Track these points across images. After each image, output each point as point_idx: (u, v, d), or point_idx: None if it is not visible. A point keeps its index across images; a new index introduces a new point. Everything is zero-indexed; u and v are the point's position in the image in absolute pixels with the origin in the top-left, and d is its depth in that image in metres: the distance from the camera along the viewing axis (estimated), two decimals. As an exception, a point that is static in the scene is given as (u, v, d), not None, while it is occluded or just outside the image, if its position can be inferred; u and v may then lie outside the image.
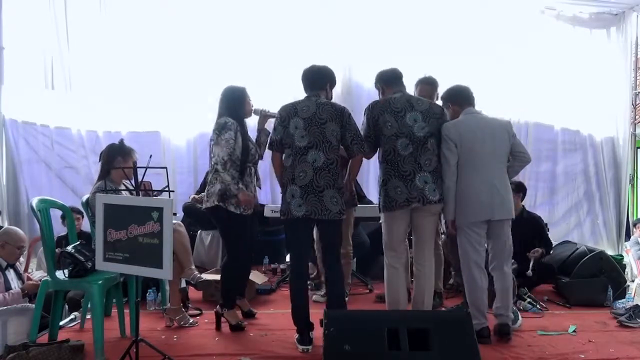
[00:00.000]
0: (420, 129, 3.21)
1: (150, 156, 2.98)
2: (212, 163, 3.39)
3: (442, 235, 4.14)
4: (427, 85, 3.84)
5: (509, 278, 3.40)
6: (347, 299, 3.58)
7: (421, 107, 3.26)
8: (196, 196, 5.14)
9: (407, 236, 3.45)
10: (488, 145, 3.27)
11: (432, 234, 3.38)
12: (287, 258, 5.50)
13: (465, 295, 3.41)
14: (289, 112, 3.19)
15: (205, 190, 3.50)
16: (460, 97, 3.45)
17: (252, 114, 3.64)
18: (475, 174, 3.26)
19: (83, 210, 3.90)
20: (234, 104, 3.48)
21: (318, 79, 3.26)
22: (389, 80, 3.41)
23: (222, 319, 3.51)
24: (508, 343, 3.26)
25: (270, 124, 3.53)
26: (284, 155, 3.24)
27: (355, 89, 5.65)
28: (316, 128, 3.12)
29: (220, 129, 3.36)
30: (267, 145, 3.36)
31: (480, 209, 3.25)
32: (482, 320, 3.26)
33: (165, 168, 2.87)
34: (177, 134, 5.59)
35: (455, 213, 3.29)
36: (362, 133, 3.24)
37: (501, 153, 3.32)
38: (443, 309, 3.92)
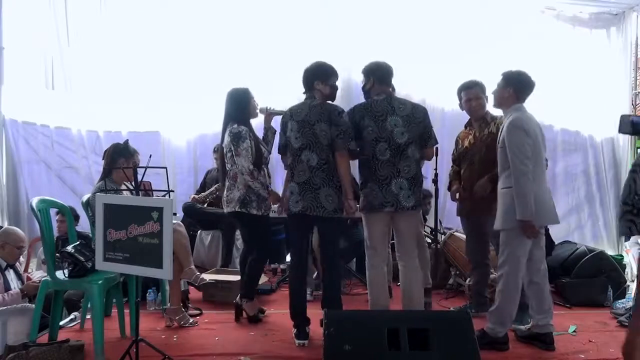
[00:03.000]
0: (399, 135, 3.18)
1: (150, 156, 3.00)
2: (233, 172, 3.50)
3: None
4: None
5: (547, 283, 3.23)
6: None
7: (403, 112, 3.22)
8: (196, 196, 5.15)
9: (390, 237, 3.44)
10: (542, 146, 3.11)
11: (414, 234, 3.36)
12: (288, 258, 5.51)
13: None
14: (287, 116, 3.34)
15: (224, 196, 3.59)
16: (527, 90, 3.16)
17: (259, 113, 3.69)
18: (542, 175, 3.06)
19: (84, 210, 3.89)
20: (241, 105, 3.54)
21: (305, 80, 3.34)
22: (382, 77, 3.30)
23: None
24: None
25: (275, 122, 3.63)
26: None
27: (356, 89, 5.63)
28: (308, 130, 3.20)
29: (237, 139, 3.42)
30: (277, 150, 3.48)
31: (551, 213, 3.07)
32: (507, 328, 3.18)
33: (165, 168, 2.87)
34: (177, 134, 5.59)
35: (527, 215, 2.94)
36: None
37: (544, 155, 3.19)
38: (443, 308, 3.92)
